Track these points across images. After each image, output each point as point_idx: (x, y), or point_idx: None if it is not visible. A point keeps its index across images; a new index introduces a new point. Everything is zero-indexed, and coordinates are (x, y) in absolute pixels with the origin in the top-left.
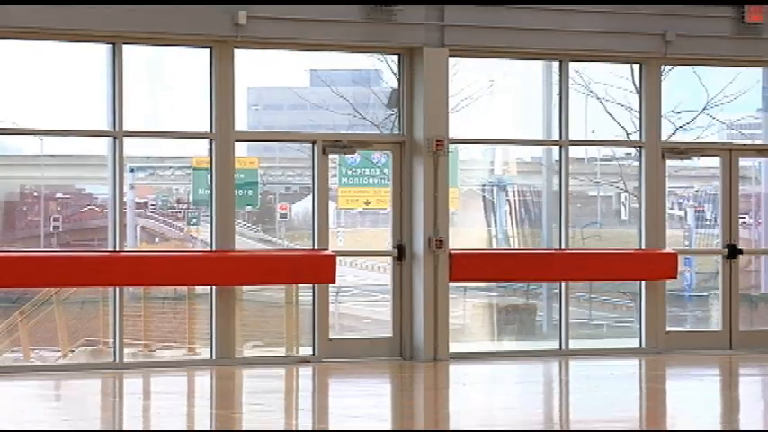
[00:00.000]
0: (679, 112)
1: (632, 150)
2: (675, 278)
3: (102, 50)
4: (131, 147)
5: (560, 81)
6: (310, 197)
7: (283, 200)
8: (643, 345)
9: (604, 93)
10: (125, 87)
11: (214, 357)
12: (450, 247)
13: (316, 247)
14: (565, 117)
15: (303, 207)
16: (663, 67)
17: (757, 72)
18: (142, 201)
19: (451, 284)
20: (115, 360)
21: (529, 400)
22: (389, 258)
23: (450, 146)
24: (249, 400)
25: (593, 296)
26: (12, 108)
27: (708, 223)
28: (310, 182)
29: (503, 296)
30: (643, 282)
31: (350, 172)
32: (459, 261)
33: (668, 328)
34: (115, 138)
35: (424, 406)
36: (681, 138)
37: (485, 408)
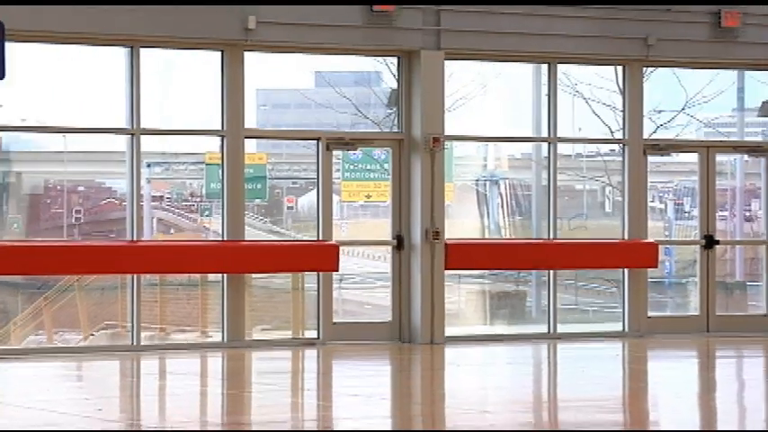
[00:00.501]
0: (659, 112)
1: (616, 147)
2: (656, 266)
3: (120, 54)
4: (148, 143)
5: (549, 82)
6: (315, 191)
7: (290, 193)
8: (626, 329)
9: (590, 93)
10: (142, 88)
11: (225, 340)
12: (446, 238)
13: (320, 238)
14: (553, 116)
15: (308, 200)
16: (644, 69)
17: (733, 74)
18: (158, 194)
19: (447, 272)
20: (133, 343)
21: (519, 381)
22: (389, 248)
23: (446, 143)
24: (258, 379)
25: (579, 283)
26: (36, 107)
27: (686, 215)
28: (315, 176)
29: (495, 283)
30: (626, 270)
31: (352, 167)
32: (454, 250)
33: (649, 313)
34: (133, 135)
35: (421, 386)
36: (661, 135)
37: (478, 387)
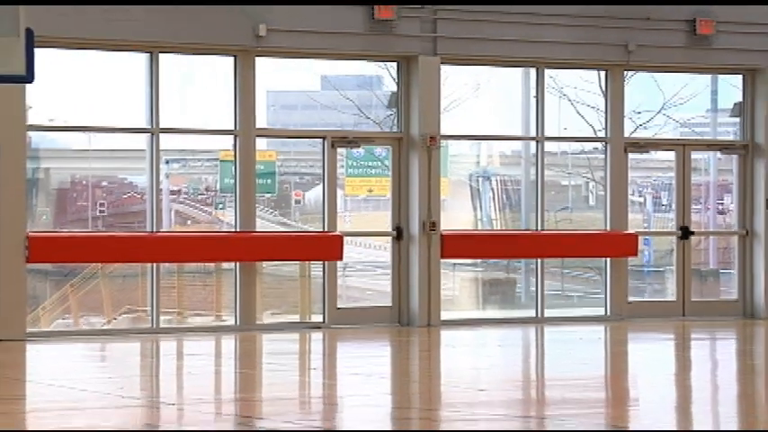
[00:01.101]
0: (639, 112)
1: (599, 145)
2: (636, 255)
3: (141, 59)
4: (166, 142)
5: (537, 85)
6: (321, 185)
7: (297, 188)
8: (608, 313)
9: (575, 95)
10: (161, 91)
11: (238, 323)
12: (442, 229)
13: (325, 229)
14: (540, 116)
15: (315, 194)
16: (625, 73)
17: (707, 78)
18: (176, 188)
19: (442, 261)
20: (152, 326)
21: (509, 360)
22: (389, 238)
23: (442, 141)
24: (268, 360)
25: (564, 271)
26: (63, 108)
27: (664, 208)
28: (321, 172)
29: (487, 271)
30: (608, 258)
31: (355, 164)
32: (449, 241)
33: (630, 299)
34: (152, 134)
35: (418, 365)
36: (641, 134)
37: (471, 367)
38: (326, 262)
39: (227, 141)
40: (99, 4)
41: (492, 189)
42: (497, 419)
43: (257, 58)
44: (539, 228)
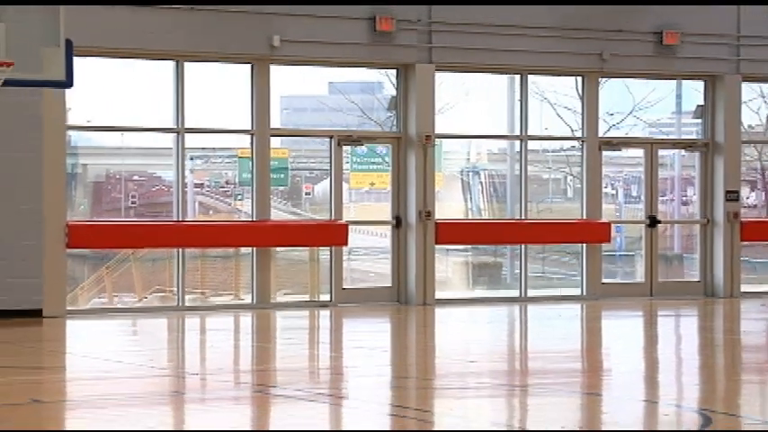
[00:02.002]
0: (612, 114)
1: (576, 143)
2: (609, 242)
3: (168, 66)
4: (191, 140)
5: (520, 90)
6: (328, 179)
7: (307, 181)
8: (584, 293)
9: (554, 99)
10: (186, 94)
11: (254, 302)
12: (436, 218)
13: (332, 218)
14: (524, 117)
15: (323, 187)
16: (599, 79)
17: (672, 83)
18: (199, 182)
19: (437, 246)
20: (178, 304)
21: (496, 335)
22: (389, 226)
23: (436, 140)
24: (281, 335)
25: (545, 255)
26: (99, 110)
27: (634, 199)
28: (328, 167)
29: (476, 255)
30: (584, 244)
31: (359, 160)
32: (442, 229)
33: (603, 280)
34: (178, 133)
35: (415, 340)
36: (613, 134)
37: (462, 340)
38: (333, 247)
39: (245, 140)
40: (126, 4)
41: (481, 182)
42: (486, 388)
43: (271, 66)
44: (522, 217)
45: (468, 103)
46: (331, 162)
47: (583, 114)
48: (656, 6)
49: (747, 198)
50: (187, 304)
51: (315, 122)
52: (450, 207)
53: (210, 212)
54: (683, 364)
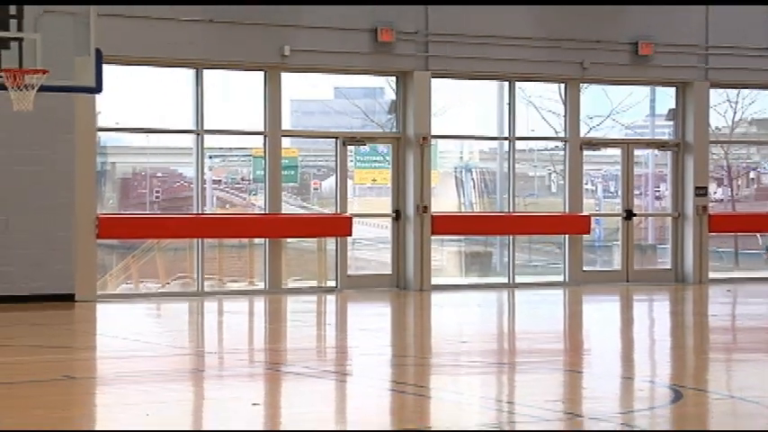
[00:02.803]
0: (591, 117)
1: (559, 144)
2: (589, 233)
3: (189, 73)
4: (209, 140)
5: (509, 95)
6: (334, 176)
7: (315, 178)
8: (566, 279)
9: (540, 103)
10: (205, 99)
11: (267, 288)
12: (432, 211)
13: (338, 211)
14: (512, 120)
15: (329, 183)
16: (581, 85)
17: (646, 89)
18: (217, 178)
19: (433, 237)
20: (198, 289)
21: (487, 317)
22: (389, 219)
23: (432, 140)
24: (292, 317)
25: (531, 245)
26: (126, 113)
27: (611, 195)
28: (334, 165)
29: (469, 245)
30: (566, 235)
31: (362, 158)
32: (438, 221)
33: (584, 268)
34: (198, 134)
35: (413, 321)
36: (593, 135)
37: (455, 322)
38: (339, 238)
39: (259, 140)
40: (153, 3)
41: (473, 179)
42: (477, 365)
43: (282, 73)
44: (510, 210)
45: (462, 106)
46: (336, 160)
47: (565, 117)
48: (632, 19)
49: (714, 193)
50: (206, 289)
51: (322, 124)
52: (444, 201)
53: (227, 206)
54: (655, 344)
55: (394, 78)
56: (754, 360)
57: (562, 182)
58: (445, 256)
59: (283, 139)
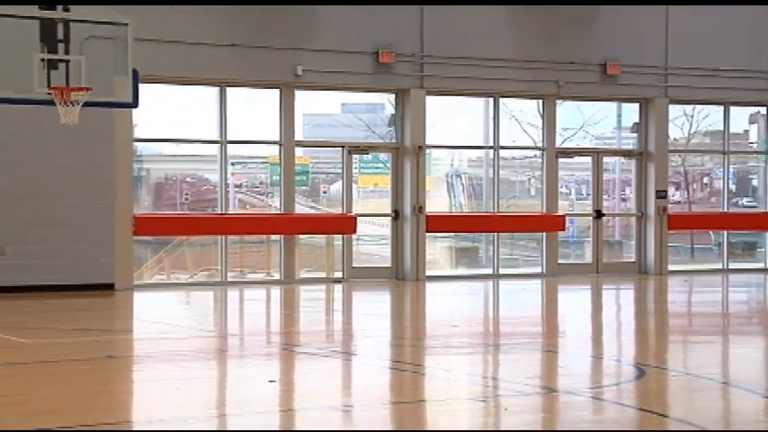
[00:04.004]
0: (566, 129)
1: (537, 152)
2: (563, 230)
3: (213, 91)
4: (232, 149)
5: (494, 109)
6: (341, 181)
7: (324, 182)
8: (544, 271)
9: (521, 117)
10: (228, 113)
11: (282, 278)
12: (427, 212)
13: (344, 211)
14: (496, 132)
15: (336, 187)
16: (556, 101)
17: (614, 105)
18: (238, 183)
19: (427, 234)
20: (222, 280)
21: (475, 304)
22: (389, 218)
23: (427, 150)
24: (304, 304)
25: (513, 241)
26: (159, 125)
27: (583, 197)
28: (341, 171)
29: (458, 241)
30: (544, 232)
31: (365, 165)
32: (432, 220)
33: (559, 261)
34: (222, 144)
35: (410, 308)
36: (567, 145)
37: (447, 308)
38: (345, 234)
39: (275, 149)
40: (165, 4)
41: (462, 183)
42: (465, 346)
43: (296, 91)
44: (495, 211)
45: (452, 120)
46: (343, 167)
47: (543, 129)
48: (601, 43)
49: (673, 196)
50: (229, 280)
51: (330, 135)
52: (437, 203)
53: (247, 207)
54: (621, 327)
55: (393, 95)
56: (708, 342)
57: (540, 186)
58: (438, 250)
59: (296, 148)
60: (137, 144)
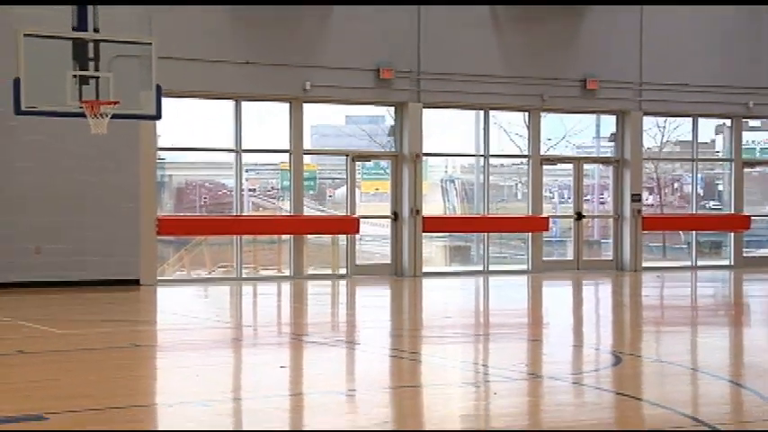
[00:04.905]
0: (549, 139)
1: (524, 160)
2: (547, 230)
3: (230, 104)
4: (246, 157)
5: (484, 121)
6: (345, 185)
7: (330, 187)
8: (529, 268)
9: (509, 128)
10: (242, 124)
11: (292, 274)
12: (423, 214)
13: (348, 213)
14: (487, 141)
15: (341, 191)
16: (541, 113)
17: (593, 117)
18: (252, 188)
19: (424, 234)
20: (237, 276)
21: (467, 298)
22: (389, 220)
23: (423, 157)
24: (312, 299)
25: (502, 240)
26: (181, 135)
27: (565, 200)
28: (345, 177)
29: (452, 241)
30: (530, 233)
31: (367, 172)
32: (428, 221)
33: (543, 258)
34: (237, 152)
35: (407, 299)
36: (551, 153)
37: (441, 302)
38: (348, 235)
39: (285, 157)
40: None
41: (455, 188)
42: (458, 336)
43: (304, 104)
44: (485, 213)
45: (447, 131)
46: (347, 173)
47: (529, 139)
48: (582, 61)
49: (647, 199)
50: (243, 276)
51: (335, 144)
52: (433, 206)
53: (260, 210)
54: (600, 318)
55: (393, 108)
56: (679, 332)
57: (526, 190)
58: (433, 249)
59: (304, 156)
60: (160, 152)
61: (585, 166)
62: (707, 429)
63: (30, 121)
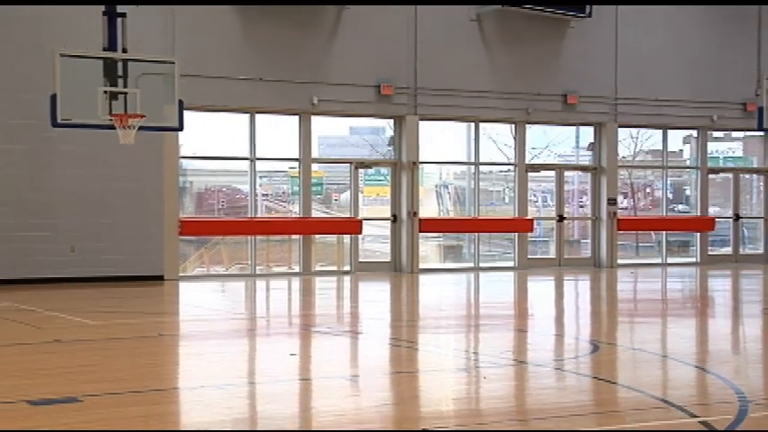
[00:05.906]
0: (534, 148)
1: (511, 167)
2: (532, 231)
3: (245, 117)
4: (260, 165)
5: (475, 132)
6: (349, 191)
7: (336, 192)
8: (516, 265)
9: (497, 138)
10: (256, 135)
11: (301, 271)
12: (420, 216)
13: (352, 216)
14: (477, 150)
15: (345, 196)
16: (526, 125)
17: (573, 128)
18: (265, 193)
19: (420, 234)
20: (251, 272)
21: (459, 292)
22: (389, 221)
23: (420, 165)
24: (319, 293)
25: (492, 240)
26: (200, 145)
27: (548, 204)
28: (349, 183)
29: (446, 240)
30: (516, 233)
31: (369, 178)
32: (424, 222)
33: (528, 256)
34: (251, 161)
35: (405, 296)
36: (535, 161)
37: (436, 297)
38: (352, 235)
39: (295, 165)
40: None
41: (449, 193)
42: (452, 326)
43: (312, 117)
44: (476, 215)
45: (441, 141)
46: (351, 179)
47: (515, 148)
48: (563, 78)
49: (621, 203)
50: (257, 272)
51: (340, 153)
52: (429, 209)
53: (272, 212)
54: (579, 310)
55: (392, 120)
56: (651, 323)
57: (513, 195)
58: (429, 248)
59: (312, 164)
60: (182, 161)
61: (566, 173)
62: (676, 410)
63: (65, 133)
